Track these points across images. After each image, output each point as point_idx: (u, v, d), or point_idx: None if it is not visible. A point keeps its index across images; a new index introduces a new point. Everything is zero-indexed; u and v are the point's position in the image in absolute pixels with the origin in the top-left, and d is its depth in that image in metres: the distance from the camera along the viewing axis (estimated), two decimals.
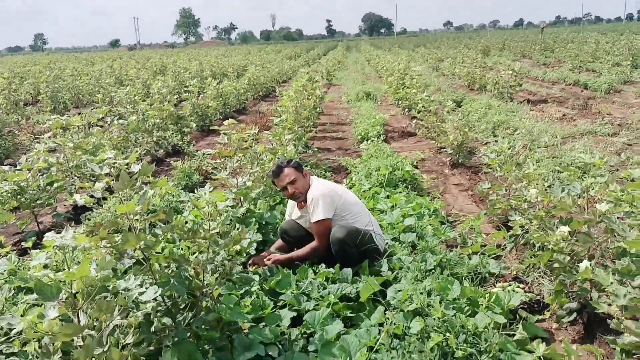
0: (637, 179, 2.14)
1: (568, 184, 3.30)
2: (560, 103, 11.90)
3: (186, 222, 3.21)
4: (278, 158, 5.44)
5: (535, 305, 3.39)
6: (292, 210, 4.08)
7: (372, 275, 3.38)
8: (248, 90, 14.95)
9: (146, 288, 2.17)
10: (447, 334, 2.47)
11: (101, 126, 7.16)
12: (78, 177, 5.66)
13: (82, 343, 1.90)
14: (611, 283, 2.13)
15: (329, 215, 3.66)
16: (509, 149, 4.76)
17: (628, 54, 18.10)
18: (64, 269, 2.27)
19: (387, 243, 3.91)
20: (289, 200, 4.10)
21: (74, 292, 1.83)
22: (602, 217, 2.82)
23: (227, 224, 2.81)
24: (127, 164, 2.78)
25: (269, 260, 3.72)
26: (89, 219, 4.87)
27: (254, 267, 3.73)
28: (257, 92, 16.74)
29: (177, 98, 11.94)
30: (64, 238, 1.83)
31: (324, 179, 6.15)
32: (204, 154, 6.67)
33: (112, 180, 2.67)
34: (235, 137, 4.55)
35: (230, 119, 4.63)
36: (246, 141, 4.88)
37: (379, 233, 3.80)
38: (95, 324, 1.96)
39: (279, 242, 4.10)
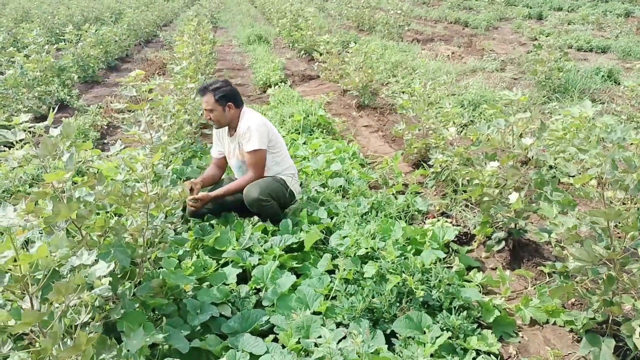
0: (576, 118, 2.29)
1: (489, 121, 3.49)
2: (446, 41, 12.41)
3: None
4: (186, 109, 5.14)
5: (463, 237, 3.61)
6: (221, 140, 3.90)
7: (312, 224, 3.37)
8: (129, 37, 13.80)
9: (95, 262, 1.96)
10: (403, 275, 2.54)
11: None
12: None
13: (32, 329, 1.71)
14: (556, 215, 2.29)
15: (264, 146, 3.59)
16: (421, 89, 4.89)
17: None
18: None
19: (301, 185, 4.00)
20: (215, 131, 3.92)
21: (22, 275, 1.60)
22: (528, 151, 3.02)
23: (168, 185, 2.62)
24: (46, 127, 2.46)
25: (200, 200, 3.54)
26: None
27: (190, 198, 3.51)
28: (139, 38, 15.53)
29: (54, 47, 10.69)
30: (7, 217, 1.56)
31: None
32: (99, 107, 6.10)
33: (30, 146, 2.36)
34: (144, 88, 4.17)
35: (137, 71, 4.22)
36: (149, 92, 4.50)
37: (295, 175, 3.84)
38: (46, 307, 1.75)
39: (207, 172, 3.93)
